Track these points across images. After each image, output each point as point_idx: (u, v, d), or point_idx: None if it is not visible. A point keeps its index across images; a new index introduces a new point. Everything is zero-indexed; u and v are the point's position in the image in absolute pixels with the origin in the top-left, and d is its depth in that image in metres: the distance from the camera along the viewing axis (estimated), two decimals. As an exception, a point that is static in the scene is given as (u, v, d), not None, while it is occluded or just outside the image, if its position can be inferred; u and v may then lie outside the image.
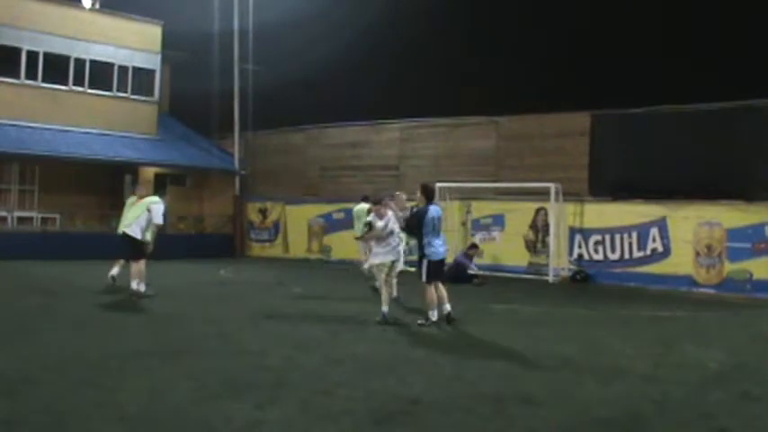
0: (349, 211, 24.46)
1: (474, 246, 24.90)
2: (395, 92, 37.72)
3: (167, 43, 34.21)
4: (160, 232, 17.93)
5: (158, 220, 16.90)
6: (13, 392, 8.25)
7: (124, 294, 16.83)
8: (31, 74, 30.57)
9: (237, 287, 20.71)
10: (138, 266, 16.78)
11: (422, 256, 13.94)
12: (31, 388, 8.47)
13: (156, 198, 17.34)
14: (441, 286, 14.07)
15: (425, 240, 13.92)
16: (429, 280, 13.90)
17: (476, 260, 24.18)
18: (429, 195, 14.25)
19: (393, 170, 30.31)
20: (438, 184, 25.64)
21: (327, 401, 8.27)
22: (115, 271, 18.36)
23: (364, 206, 23.45)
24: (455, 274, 22.89)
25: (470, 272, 23.33)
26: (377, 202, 14.69)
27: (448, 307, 14.03)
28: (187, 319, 14.14)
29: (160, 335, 12.25)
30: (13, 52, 30.13)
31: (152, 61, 33.79)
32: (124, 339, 11.64)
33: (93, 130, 31.55)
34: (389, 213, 14.26)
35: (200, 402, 8.08)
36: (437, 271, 14.08)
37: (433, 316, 13.84)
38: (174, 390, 8.61)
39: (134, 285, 16.72)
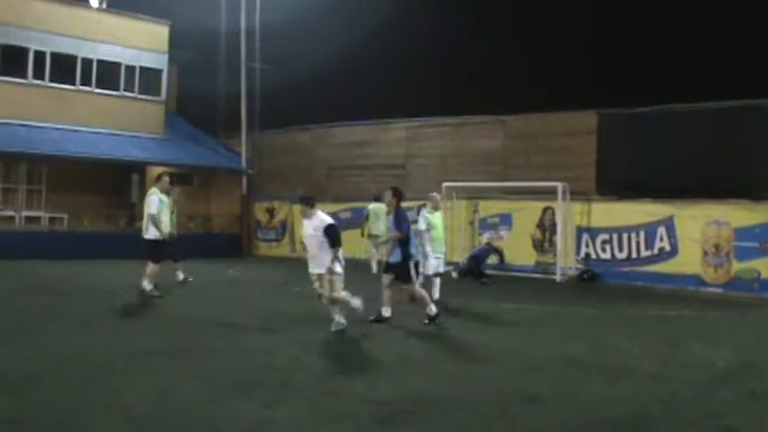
0: (356, 210, 24.49)
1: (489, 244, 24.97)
2: (401, 91, 37.68)
3: (174, 43, 34.30)
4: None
5: (149, 210, 16.86)
6: (18, 392, 8.26)
7: (131, 294, 16.84)
8: (39, 74, 30.69)
9: (245, 287, 20.72)
10: (153, 268, 16.77)
11: (409, 257, 14.04)
12: (36, 387, 8.49)
13: (151, 190, 17.32)
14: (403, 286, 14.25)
15: (411, 242, 14.20)
16: (414, 279, 14.14)
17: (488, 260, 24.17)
18: (401, 198, 14.38)
19: (400, 169, 30.32)
20: (445, 184, 25.68)
21: (333, 401, 8.28)
22: (180, 275, 18.54)
23: (382, 206, 23.62)
24: (471, 269, 22.94)
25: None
26: (308, 201, 13.14)
27: (389, 311, 14.16)
28: (194, 319, 14.16)
29: (167, 335, 12.25)
30: (21, 52, 30.23)
31: (159, 61, 33.86)
32: (131, 339, 11.64)
33: (101, 130, 31.60)
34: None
35: (208, 402, 8.09)
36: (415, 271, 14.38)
37: (432, 310, 13.93)
38: (182, 389, 8.61)
39: (144, 285, 16.73)
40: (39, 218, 30.36)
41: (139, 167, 32.18)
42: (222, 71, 34.82)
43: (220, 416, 7.57)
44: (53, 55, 30.86)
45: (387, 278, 14.18)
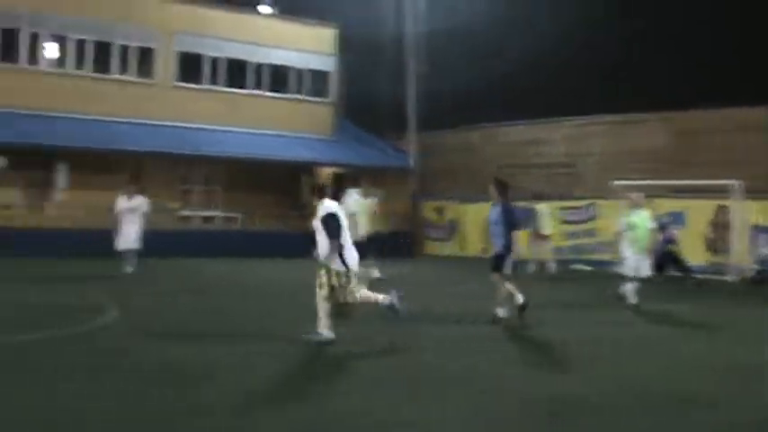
0: (526, 211, 24.32)
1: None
2: (571, 88, 37.29)
3: (342, 45, 34.89)
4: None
5: (353, 209, 17.11)
6: (196, 385, 8.55)
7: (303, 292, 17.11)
8: (212, 79, 31.92)
9: (410, 286, 20.81)
10: None
11: (509, 250, 13.56)
12: (211, 381, 8.74)
13: (349, 191, 17.59)
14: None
15: (512, 236, 13.63)
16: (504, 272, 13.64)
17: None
18: (506, 191, 13.98)
19: (569, 168, 30.03)
20: (614, 182, 25.19)
21: (492, 400, 8.26)
22: (376, 273, 18.73)
23: (545, 205, 23.49)
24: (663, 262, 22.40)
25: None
26: (317, 193, 11.89)
27: (522, 298, 13.64)
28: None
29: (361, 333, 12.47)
30: (196, 59, 31.53)
31: (327, 63, 34.56)
32: (276, 335, 11.86)
33: (271, 132, 32.49)
34: None
35: (367, 399, 8.18)
36: None
37: (502, 312, 13.55)
38: (338, 386, 8.75)
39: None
40: (214, 217, 31.43)
41: (309, 168, 32.89)
42: (389, 72, 35.14)
43: (379, 413, 7.65)
44: (225, 60, 32.11)
45: (495, 275, 13.76)
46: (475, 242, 31.79)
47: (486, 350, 11.26)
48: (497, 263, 13.59)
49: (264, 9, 35.26)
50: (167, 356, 10.08)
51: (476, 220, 31.65)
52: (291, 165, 32.17)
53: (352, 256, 11.31)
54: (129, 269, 20.21)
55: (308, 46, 33.95)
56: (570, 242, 27.93)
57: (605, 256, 25.69)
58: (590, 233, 27.62)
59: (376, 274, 18.76)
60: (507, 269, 13.56)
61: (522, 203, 24.66)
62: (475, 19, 35.93)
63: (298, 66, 33.87)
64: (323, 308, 11.19)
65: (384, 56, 35.10)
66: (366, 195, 17.66)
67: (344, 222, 11.35)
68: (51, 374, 8.91)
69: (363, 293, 11.44)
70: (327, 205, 11.39)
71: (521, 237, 14.05)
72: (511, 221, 13.56)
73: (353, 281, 11.26)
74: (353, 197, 17.34)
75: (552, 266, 23.94)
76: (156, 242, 21.08)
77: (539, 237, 23.82)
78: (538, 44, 38.12)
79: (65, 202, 28.64)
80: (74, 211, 27.61)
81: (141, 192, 21.25)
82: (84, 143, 28.02)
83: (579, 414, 7.85)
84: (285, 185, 33.13)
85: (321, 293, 11.16)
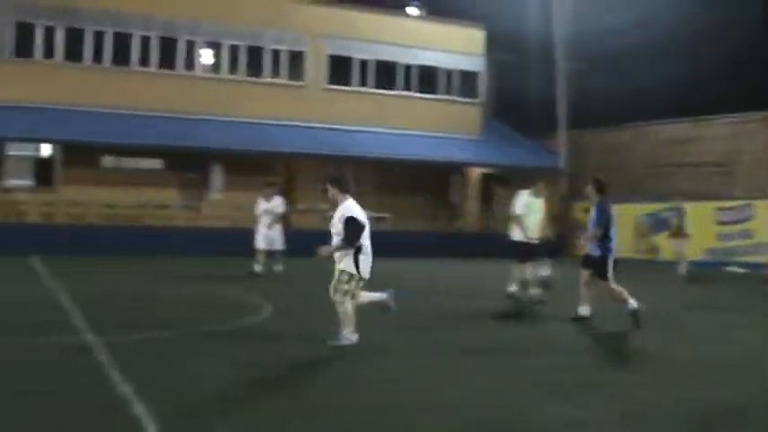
0: (676, 211, 23.81)
1: None
2: (725, 85, 36.32)
3: (490, 45, 34.84)
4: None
5: (514, 210, 16.97)
6: (330, 387, 8.67)
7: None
8: (362, 81, 32.37)
9: (560, 287, 20.61)
10: (518, 269, 16.77)
11: (608, 252, 13.02)
12: (341, 378, 8.86)
13: (521, 192, 17.42)
14: None
15: (610, 236, 13.10)
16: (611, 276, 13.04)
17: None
18: (604, 190, 13.54)
19: (723, 167, 29.18)
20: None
21: (642, 402, 8.11)
22: (546, 272, 18.56)
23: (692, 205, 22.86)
24: None
25: None
26: (339, 185, 10.99)
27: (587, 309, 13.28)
28: (512, 318, 14.32)
29: (484, 331, 12.46)
30: (345, 61, 32.07)
31: (475, 64, 34.58)
32: (452, 335, 11.89)
33: (420, 133, 32.67)
34: None
35: (518, 400, 8.14)
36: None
37: (632, 305, 12.79)
38: (484, 385, 8.71)
39: (511, 287, 16.75)
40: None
41: (458, 168, 32.93)
42: (538, 72, 34.93)
43: (533, 414, 7.61)
44: (375, 63, 32.51)
45: (584, 274, 13.28)
46: (624, 243, 31.27)
47: (627, 352, 11.25)
48: (599, 268, 13.06)
49: (412, 11, 35.56)
50: (317, 353, 10.37)
51: (624, 221, 31.07)
52: (441, 165, 32.30)
53: (366, 261, 10.69)
54: (278, 268, 20.78)
55: (456, 47, 34.05)
56: (724, 243, 27.12)
57: (762, 259, 24.91)
58: (746, 234, 26.73)
59: (543, 273, 18.37)
60: (610, 272, 13.00)
61: (672, 203, 24.25)
62: (626, 15, 35.37)
63: (446, 66, 34.03)
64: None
65: (532, 55, 34.94)
66: (537, 195, 17.28)
67: (367, 226, 10.66)
68: (203, 367, 9.22)
69: (366, 295, 11.01)
70: (349, 205, 10.68)
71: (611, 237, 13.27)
72: (601, 222, 13.07)
73: (356, 286, 10.65)
74: (523, 198, 17.05)
75: (684, 265, 23.21)
76: (305, 242, 21.37)
77: (678, 235, 23.21)
78: (690, 43, 37.29)
79: (220, 202, 29.52)
80: (228, 211, 28.47)
81: (281, 193, 21.80)
82: (238, 145, 28.83)
83: (732, 423, 7.65)
84: (434, 186, 33.30)
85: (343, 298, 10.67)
